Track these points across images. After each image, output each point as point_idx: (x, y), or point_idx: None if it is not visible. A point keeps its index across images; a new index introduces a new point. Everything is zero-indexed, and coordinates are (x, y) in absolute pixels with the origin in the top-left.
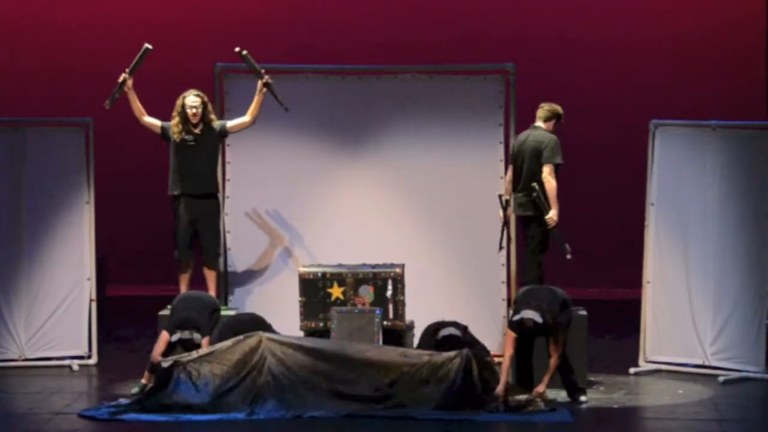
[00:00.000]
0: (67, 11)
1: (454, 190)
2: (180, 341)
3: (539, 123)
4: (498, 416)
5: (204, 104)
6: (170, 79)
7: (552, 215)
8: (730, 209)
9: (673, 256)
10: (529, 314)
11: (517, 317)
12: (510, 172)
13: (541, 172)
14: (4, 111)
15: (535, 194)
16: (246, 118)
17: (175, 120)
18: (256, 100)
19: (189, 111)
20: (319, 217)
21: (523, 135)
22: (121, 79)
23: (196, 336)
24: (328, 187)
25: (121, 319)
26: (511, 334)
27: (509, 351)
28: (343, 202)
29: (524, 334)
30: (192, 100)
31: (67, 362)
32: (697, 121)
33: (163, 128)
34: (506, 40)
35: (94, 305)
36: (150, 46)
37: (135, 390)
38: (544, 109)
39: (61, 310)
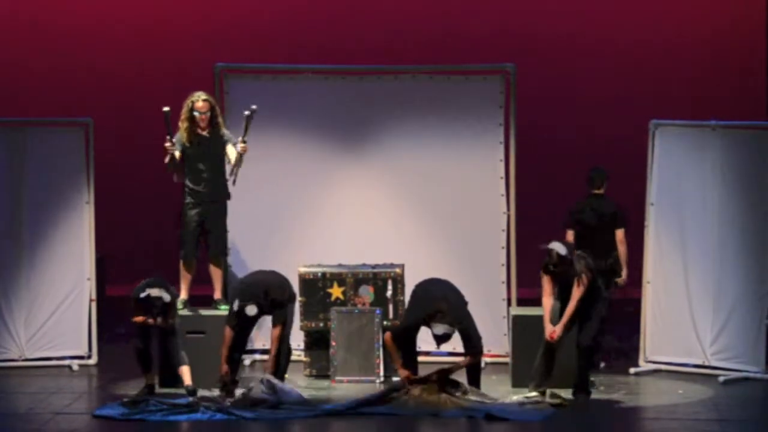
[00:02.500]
0: (68, 11)
1: (454, 190)
2: (149, 297)
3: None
4: (472, 407)
5: (212, 108)
6: (170, 78)
7: (625, 276)
8: (730, 209)
9: (673, 256)
10: (556, 245)
11: (545, 246)
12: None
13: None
14: (5, 111)
15: (611, 260)
16: (231, 160)
17: (185, 125)
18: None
19: (198, 116)
20: (319, 217)
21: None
22: (169, 149)
23: (165, 295)
24: (328, 187)
25: (122, 319)
26: (546, 279)
27: (547, 299)
28: (343, 202)
29: (553, 269)
30: (201, 105)
31: (67, 362)
32: (697, 121)
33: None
34: (506, 40)
35: (94, 305)
36: (167, 109)
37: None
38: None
39: (61, 310)
